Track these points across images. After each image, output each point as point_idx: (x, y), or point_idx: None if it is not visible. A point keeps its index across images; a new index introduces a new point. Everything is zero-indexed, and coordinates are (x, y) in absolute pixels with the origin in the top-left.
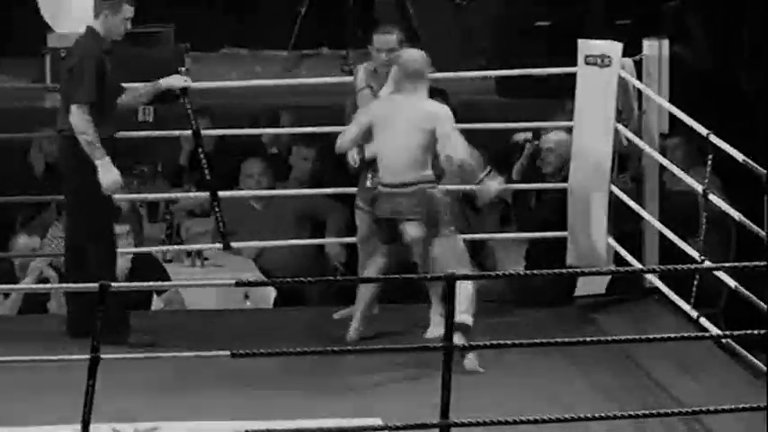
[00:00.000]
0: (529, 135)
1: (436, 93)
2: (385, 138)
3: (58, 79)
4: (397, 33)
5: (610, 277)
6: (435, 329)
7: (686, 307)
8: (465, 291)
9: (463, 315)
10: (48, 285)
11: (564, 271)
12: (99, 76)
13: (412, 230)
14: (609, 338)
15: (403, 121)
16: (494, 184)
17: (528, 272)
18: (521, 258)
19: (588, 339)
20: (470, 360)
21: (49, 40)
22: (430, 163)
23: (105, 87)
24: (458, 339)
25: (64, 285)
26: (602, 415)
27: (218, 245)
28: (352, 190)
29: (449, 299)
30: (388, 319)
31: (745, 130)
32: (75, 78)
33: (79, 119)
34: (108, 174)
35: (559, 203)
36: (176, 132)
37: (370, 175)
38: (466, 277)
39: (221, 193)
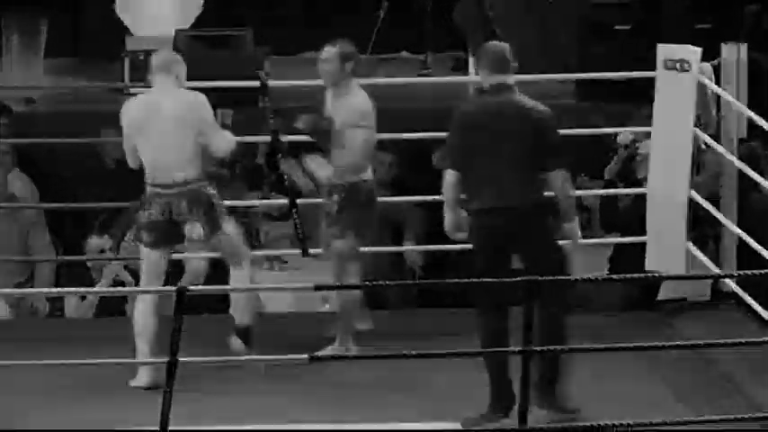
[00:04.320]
0: (629, 138)
1: None
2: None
3: (137, 80)
4: (339, 46)
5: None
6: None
7: (765, 312)
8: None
9: (244, 318)
10: (123, 288)
11: (628, 276)
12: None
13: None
14: (687, 342)
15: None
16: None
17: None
18: (603, 263)
19: (667, 344)
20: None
21: (127, 43)
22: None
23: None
24: (236, 344)
25: (139, 288)
26: (680, 420)
27: (297, 250)
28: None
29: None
30: (449, 323)
31: None
32: None
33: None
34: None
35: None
36: (256, 138)
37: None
38: (552, 281)
39: (299, 200)
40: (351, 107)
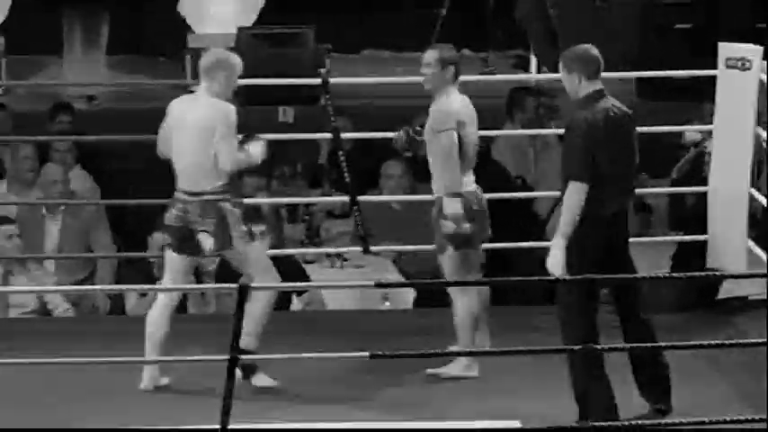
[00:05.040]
0: (698, 137)
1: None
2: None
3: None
4: (439, 50)
5: None
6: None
7: None
8: (252, 310)
9: (246, 338)
10: (184, 286)
11: (688, 275)
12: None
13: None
14: (748, 341)
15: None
16: (257, 147)
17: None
18: (665, 261)
19: (727, 343)
20: (259, 378)
21: (189, 41)
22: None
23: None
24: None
25: (201, 286)
26: (740, 418)
27: (358, 247)
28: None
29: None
30: (505, 322)
31: None
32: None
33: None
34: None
35: None
36: (316, 135)
37: None
38: (603, 280)
39: (360, 198)
40: (435, 112)
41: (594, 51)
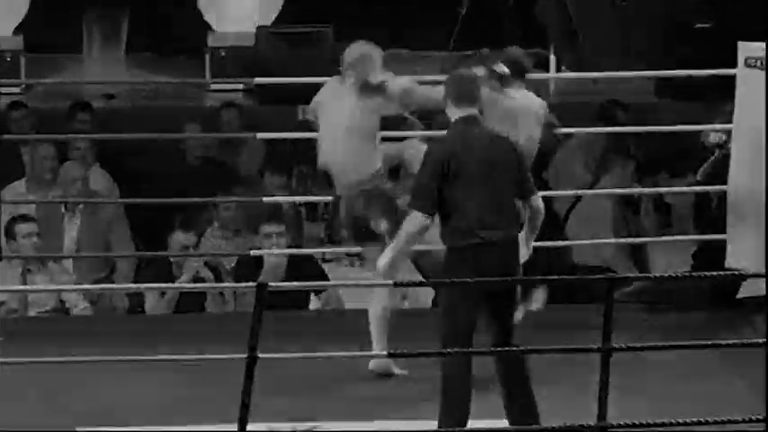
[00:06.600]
0: (722, 138)
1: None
2: None
3: (218, 76)
4: None
5: None
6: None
7: None
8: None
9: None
10: (203, 285)
11: (706, 274)
12: None
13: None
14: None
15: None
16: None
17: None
18: (684, 260)
19: (746, 342)
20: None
21: (209, 39)
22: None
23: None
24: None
25: (219, 285)
26: (759, 417)
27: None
28: None
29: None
30: (525, 320)
31: None
32: None
33: None
34: None
35: None
36: None
37: None
38: (627, 278)
39: None
40: None
41: (470, 76)
